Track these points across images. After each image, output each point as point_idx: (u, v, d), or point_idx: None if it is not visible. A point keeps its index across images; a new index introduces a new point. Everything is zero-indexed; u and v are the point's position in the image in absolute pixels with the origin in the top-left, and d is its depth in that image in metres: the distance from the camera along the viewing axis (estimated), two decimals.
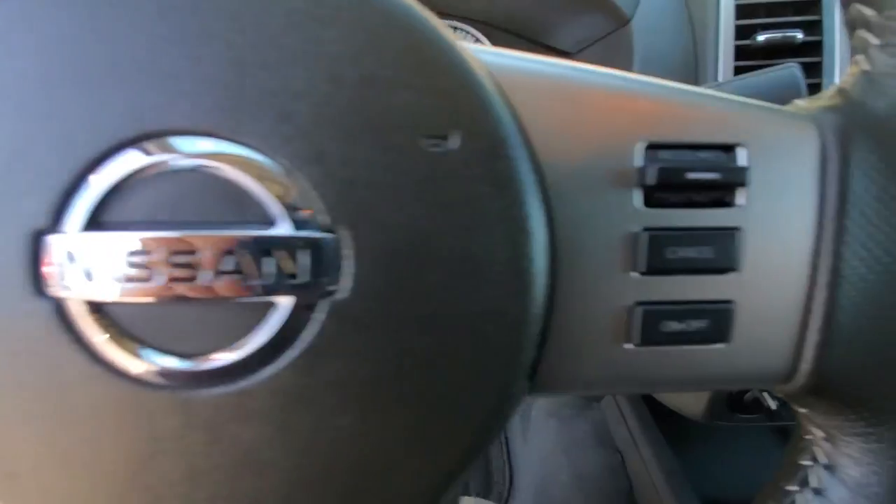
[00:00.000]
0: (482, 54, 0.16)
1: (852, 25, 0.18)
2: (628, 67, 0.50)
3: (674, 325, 0.17)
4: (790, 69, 0.28)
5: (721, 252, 0.16)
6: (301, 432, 0.14)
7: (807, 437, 0.21)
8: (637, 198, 0.16)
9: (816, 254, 0.17)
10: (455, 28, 0.70)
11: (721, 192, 0.16)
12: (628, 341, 0.17)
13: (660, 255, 0.16)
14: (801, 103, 0.18)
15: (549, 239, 0.15)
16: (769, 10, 0.49)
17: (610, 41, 0.54)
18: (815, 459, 0.20)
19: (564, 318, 0.17)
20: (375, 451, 0.15)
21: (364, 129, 0.14)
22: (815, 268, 0.17)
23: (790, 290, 0.17)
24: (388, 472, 0.15)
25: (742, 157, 0.16)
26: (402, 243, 0.14)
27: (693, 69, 0.49)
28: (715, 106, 0.17)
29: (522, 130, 0.15)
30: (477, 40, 0.69)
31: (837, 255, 0.17)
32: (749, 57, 0.47)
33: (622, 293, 0.17)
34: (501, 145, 0.14)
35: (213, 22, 0.13)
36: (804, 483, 0.20)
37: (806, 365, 0.18)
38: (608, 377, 0.17)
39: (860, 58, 0.18)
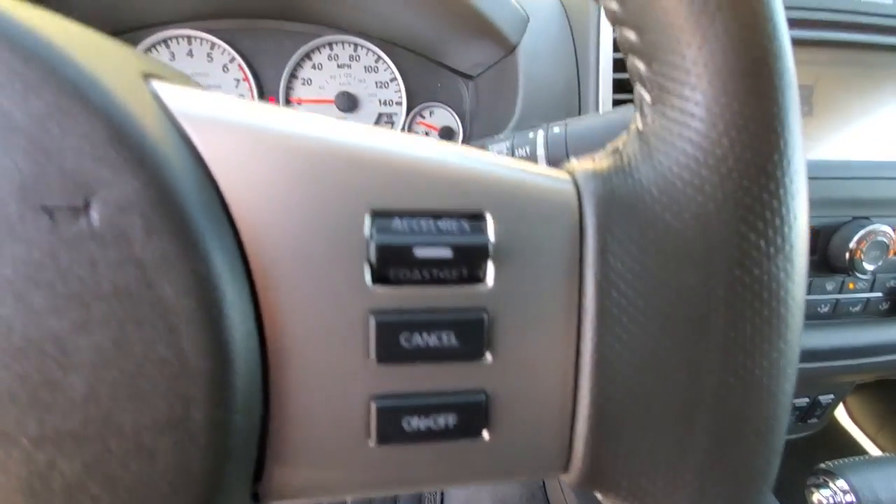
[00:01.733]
0: (175, 100, 0.13)
1: (632, 79, 0.17)
2: (515, 94, 0.49)
3: (417, 422, 0.14)
4: (624, 110, 0.27)
5: (466, 337, 0.14)
6: None
7: None
8: (368, 275, 0.14)
9: (579, 337, 0.15)
10: (356, 45, 0.67)
11: (466, 267, 0.14)
12: (370, 438, 0.14)
13: (391, 343, 0.14)
14: (574, 164, 0.16)
15: (248, 331, 0.13)
16: None
17: (501, 67, 0.53)
18: None
19: (293, 416, 0.14)
20: None
21: None
22: (578, 353, 0.15)
23: (552, 377, 0.15)
24: None
25: (487, 229, 0.14)
26: (24, 345, 0.11)
27: (577, 98, 0.48)
28: (457, 167, 0.15)
29: (212, 196, 0.13)
30: (379, 58, 0.67)
31: (601, 339, 0.15)
32: (628, 90, 0.47)
33: (356, 385, 0.14)
34: (167, 217, 0.12)
35: None
36: None
37: (578, 457, 0.16)
38: (355, 479, 0.15)
39: (637, 115, 0.17)
